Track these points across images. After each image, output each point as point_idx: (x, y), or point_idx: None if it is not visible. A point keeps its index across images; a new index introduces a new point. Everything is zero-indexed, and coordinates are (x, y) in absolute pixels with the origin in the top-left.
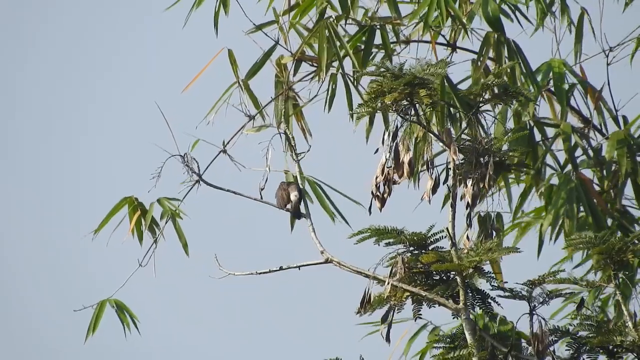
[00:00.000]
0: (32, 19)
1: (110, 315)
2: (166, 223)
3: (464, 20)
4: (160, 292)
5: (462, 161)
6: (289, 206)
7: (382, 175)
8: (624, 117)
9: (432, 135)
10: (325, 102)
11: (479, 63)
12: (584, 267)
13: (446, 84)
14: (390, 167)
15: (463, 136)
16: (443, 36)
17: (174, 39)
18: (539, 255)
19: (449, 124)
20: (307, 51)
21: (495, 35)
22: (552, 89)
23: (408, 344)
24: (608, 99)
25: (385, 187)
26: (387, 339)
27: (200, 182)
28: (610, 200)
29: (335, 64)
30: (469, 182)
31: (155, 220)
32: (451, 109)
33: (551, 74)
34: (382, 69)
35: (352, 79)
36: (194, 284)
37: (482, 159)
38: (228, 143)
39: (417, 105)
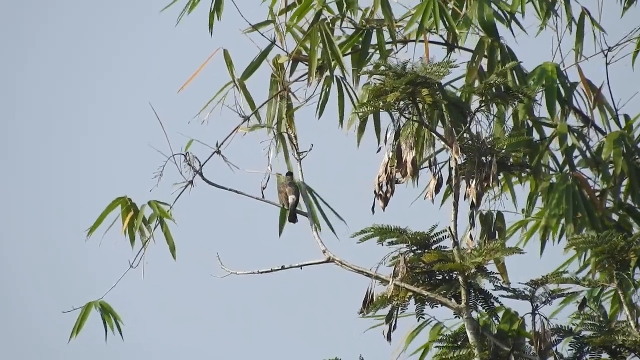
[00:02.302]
0: (32, 19)
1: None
2: (155, 227)
3: (456, 30)
4: (161, 291)
5: (464, 160)
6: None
7: (384, 174)
8: (626, 116)
9: (434, 135)
10: (317, 106)
11: (473, 65)
12: (587, 268)
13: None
14: (393, 166)
15: (464, 135)
16: (441, 35)
17: (174, 39)
18: (541, 254)
19: (448, 124)
20: (303, 51)
21: (489, 40)
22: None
23: (408, 338)
24: (608, 99)
25: (388, 186)
26: (389, 338)
27: (200, 178)
28: (609, 200)
29: (331, 66)
30: (472, 182)
31: (146, 222)
32: (444, 112)
33: (543, 79)
34: (384, 67)
35: (347, 82)
36: (195, 283)
37: (484, 158)
38: (222, 144)
39: (419, 104)
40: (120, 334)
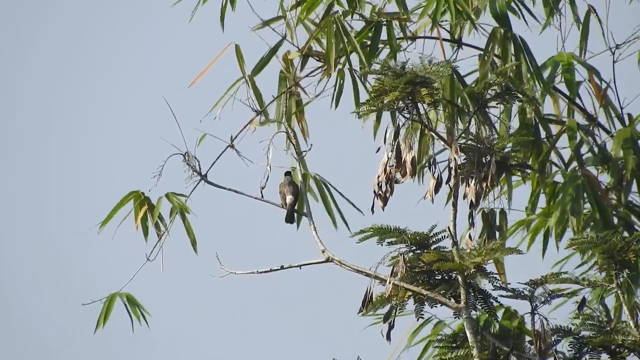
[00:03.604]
0: (32, 19)
1: (112, 312)
2: (173, 219)
3: (473, 16)
4: (161, 290)
5: (464, 160)
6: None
7: (384, 174)
8: (629, 115)
9: (434, 134)
10: (333, 98)
11: (485, 58)
12: (587, 266)
13: (455, 78)
14: (392, 165)
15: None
16: (449, 32)
17: (175, 39)
18: (543, 255)
19: (458, 120)
20: (314, 46)
21: (502, 31)
22: (558, 85)
23: (411, 337)
24: (614, 97)
25: (388, 186)
26: (388, 338)
27: (200, 177)
28: (617, 197)
29: (343, 59)
30: (472, 182)
31: (161, 216)
32: (458, 105)
33: (560, 67)
34: (385, 67)
35: (359, 75)
36: (195, 282)
37: (484, 158)
38: (235, 138)
39: (418, 104)
40: (147, 325)
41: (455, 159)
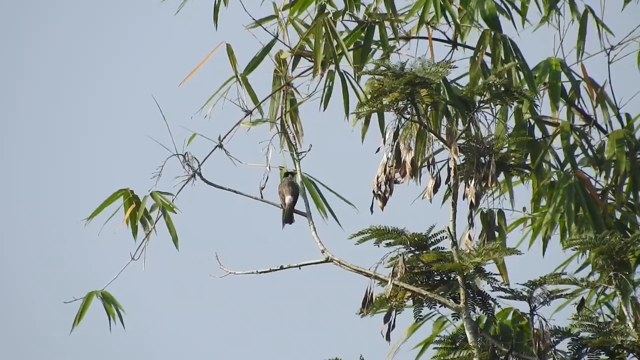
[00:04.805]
0: (32, 19)
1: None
2: (158, 217)
3: (458, 21)
4: (161, 289)
5: (463, 161)
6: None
7: (383, 175)
8: (627, 115)
9: (433, 135)
10: (321, 100)
11: (476, 59)
12: (588, 268)
13: (443, 84)
14: (392, 166)
15: (462, 135)
16: (444, 33)
17: (174, 39)
18: (544, 253)
19: (446, 123)
20: (306, 46)
21: (492, 33)
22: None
23: (410, 329)
24: (610, 97)
25: (387, 186)
26: (387, 338)
27: (199, 177)
28: (612, 198)
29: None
30: (471, 182)
31: (148, 213)
32: (449, 107)
33: (547, 74)
34: (383, 68)
35: (351, 76)
36: (195, 282)
37: (483, 158)
38: (224, 138)
39: (417, 104)
40: (122, 323)
41: (454, 159)
